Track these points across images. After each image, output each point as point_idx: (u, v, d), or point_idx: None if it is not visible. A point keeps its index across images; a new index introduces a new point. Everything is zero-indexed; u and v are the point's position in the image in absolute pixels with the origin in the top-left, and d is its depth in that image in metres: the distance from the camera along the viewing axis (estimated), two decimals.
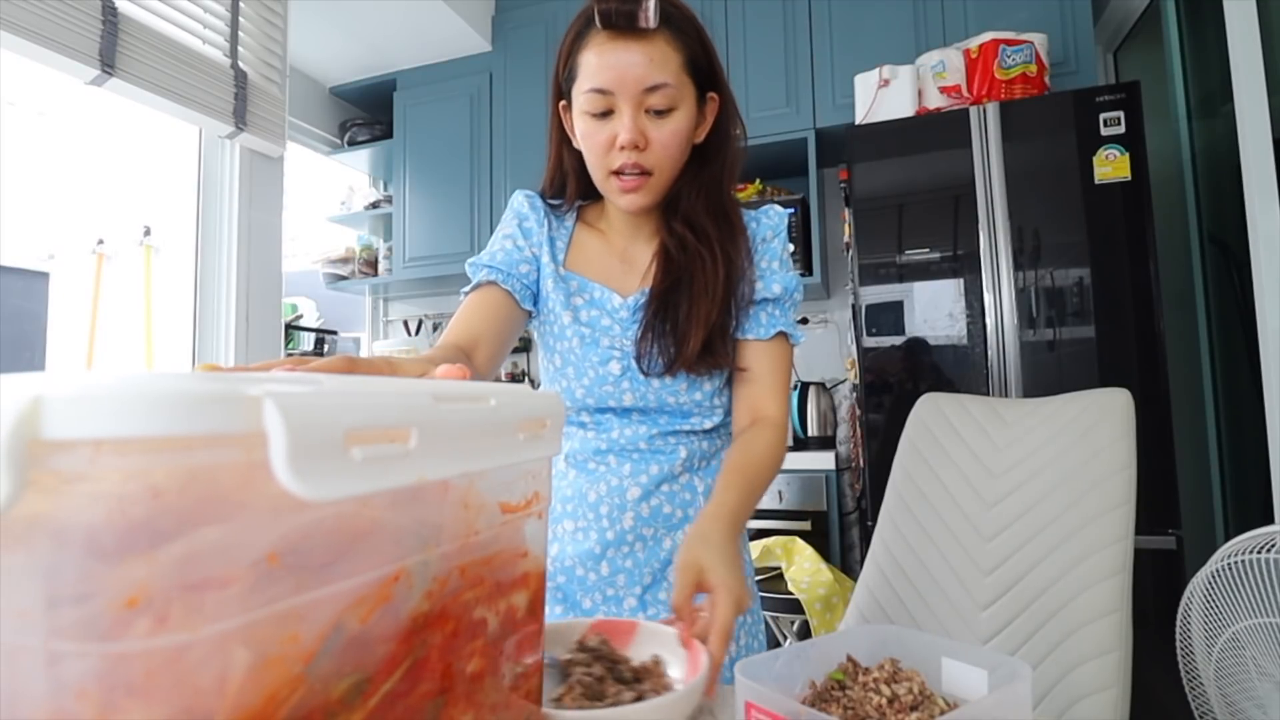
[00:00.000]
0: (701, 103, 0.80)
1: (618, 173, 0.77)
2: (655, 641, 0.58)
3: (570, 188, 0.87)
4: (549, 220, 0.88)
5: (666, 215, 0.84)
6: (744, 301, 0.83)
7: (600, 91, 0.74)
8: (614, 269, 0.86)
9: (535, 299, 0.87)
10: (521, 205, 0.88)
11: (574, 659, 0.54)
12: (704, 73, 0.79)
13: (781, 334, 0.83)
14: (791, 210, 2.40)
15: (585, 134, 0.78)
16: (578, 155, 0.83)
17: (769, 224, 0.86)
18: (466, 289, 0.85)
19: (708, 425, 0.84)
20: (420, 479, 0.28)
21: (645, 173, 0.77)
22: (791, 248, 0.89)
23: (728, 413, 0.85)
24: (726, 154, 0.84)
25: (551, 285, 0.85)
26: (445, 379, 0.44)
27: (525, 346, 3.16)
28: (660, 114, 0.75)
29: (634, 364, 0.81)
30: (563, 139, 0.85)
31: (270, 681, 0.23)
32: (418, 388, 0.30)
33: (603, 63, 0.74)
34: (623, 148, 0.75)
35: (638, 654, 0.57)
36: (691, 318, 0.79)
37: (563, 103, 0.82)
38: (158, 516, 0.21)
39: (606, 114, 0.76)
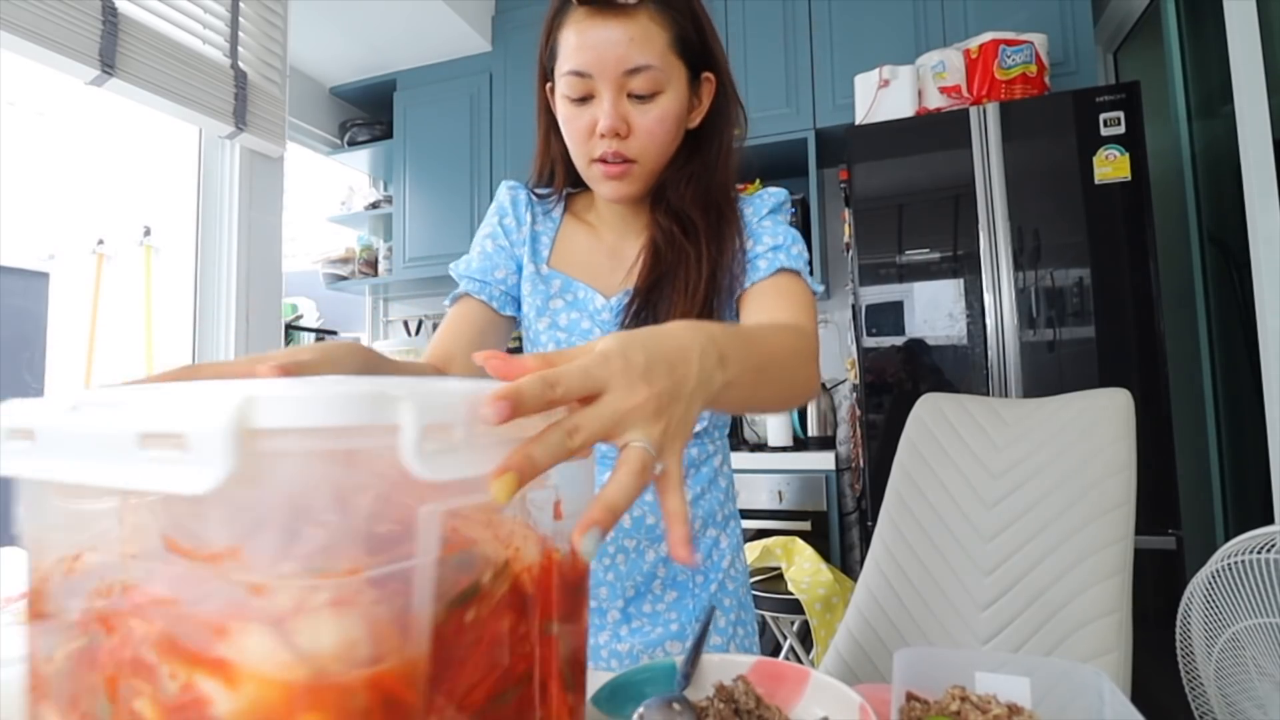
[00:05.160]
0: (695, 84, 0.73)
1: (600, 160, 0.71)
2: (829, 698, 0.47)
3: (559, 176, 0.82)
4: (533, 214, 0.83)
5: (654, 206, 0.77)
6: (726, 297, 0.75)
7: (579, 74, 0.68)
8: (601, 266, 0.80)
9: (518, 303, 0.82)
10: (504, 199, 0.84)
11: (707, 707, 0.46)
12: (696, 52, 0.72)
13: (784, 270, 0.73)
14: (792, 211, 2.40)
15: (565, 119, 0.72)
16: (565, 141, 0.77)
17: (763, 203, 0.80)
18: (449, 299, 0.82)
19: (695, 429, 0.79)
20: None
21: (629, 160, 0.71)
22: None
23: (715, 415, 0.81)
24: (722, 139, 0.77)
25: (529, 289, 0.80)
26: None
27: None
28: (644, 98, 0.69)
29: None
30: (550, 124, 0.78)
31: None
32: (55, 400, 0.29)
33: (581, 42, 0.67)
34: (603, 135, 0.69)
35: (804, 711, 0.47)
36: (669, 319, 0.74)
37: (549, 84, 0.76)
38: None
39: (587, 98, 0.70)
